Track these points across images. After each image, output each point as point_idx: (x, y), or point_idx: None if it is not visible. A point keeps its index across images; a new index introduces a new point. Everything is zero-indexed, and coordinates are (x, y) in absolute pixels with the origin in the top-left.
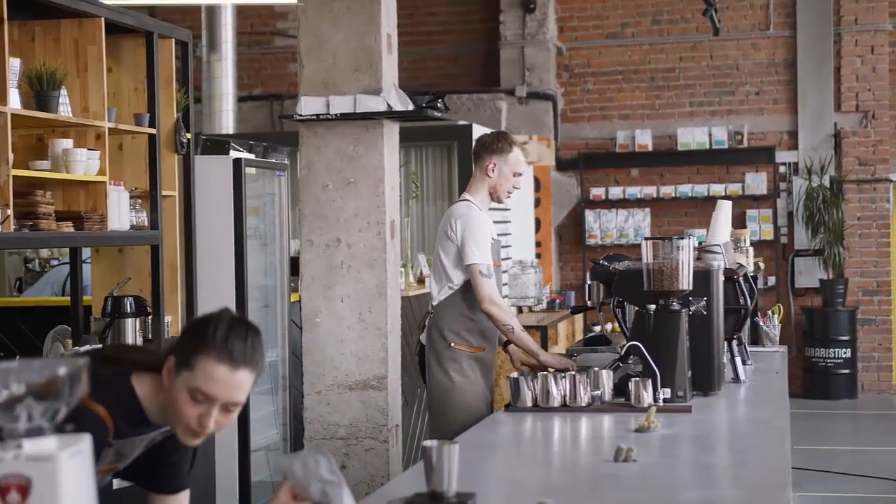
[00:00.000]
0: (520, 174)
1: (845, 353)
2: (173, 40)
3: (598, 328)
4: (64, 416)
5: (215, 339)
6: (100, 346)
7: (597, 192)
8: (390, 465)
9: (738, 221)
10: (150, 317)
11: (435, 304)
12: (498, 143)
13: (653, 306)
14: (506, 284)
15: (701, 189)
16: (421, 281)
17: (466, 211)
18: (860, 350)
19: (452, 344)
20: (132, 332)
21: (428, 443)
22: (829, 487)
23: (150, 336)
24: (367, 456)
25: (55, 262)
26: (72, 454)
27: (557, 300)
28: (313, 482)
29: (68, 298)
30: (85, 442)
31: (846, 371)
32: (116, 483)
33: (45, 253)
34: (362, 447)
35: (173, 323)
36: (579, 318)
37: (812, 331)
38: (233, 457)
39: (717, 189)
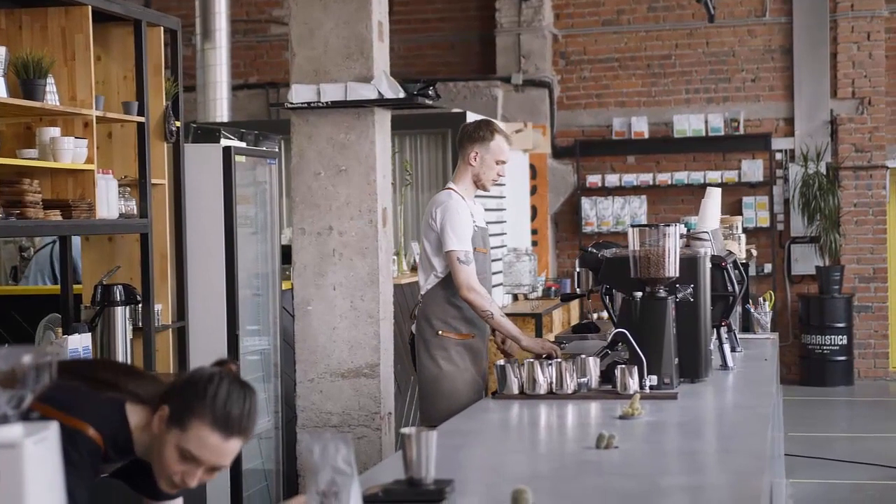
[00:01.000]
0: (503, 162)
1: (841, 340)
2: (162, 28)
3: (594, 316)
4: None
5: (214, 404)
6: (92, 359)
7: (593, 179)
8: (383, 452)
9: (734, 208)
10: (139, 305)
11: (422, 293)
12: (479, 131)
13: (639, 293)
14: (499, 272)
15: (697, 176)
16: (414, 269)
17: (446, 199)
18: (856, 337)
19: (440, 332)
20: (122, 320)
21: (406, 430)
22: (824, 474)
23: (139, 324)
24: (359, 444)
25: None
26: (37, 441)
27: (553, 288)
28: (326, 468)
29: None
30: (51, 429)
31: (842, 358)
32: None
33: (39, 241)
34: (355, 435)
35: (163, 311)
36: (575, 305)
37: (808, 318)
38: None
39: (714, 176)
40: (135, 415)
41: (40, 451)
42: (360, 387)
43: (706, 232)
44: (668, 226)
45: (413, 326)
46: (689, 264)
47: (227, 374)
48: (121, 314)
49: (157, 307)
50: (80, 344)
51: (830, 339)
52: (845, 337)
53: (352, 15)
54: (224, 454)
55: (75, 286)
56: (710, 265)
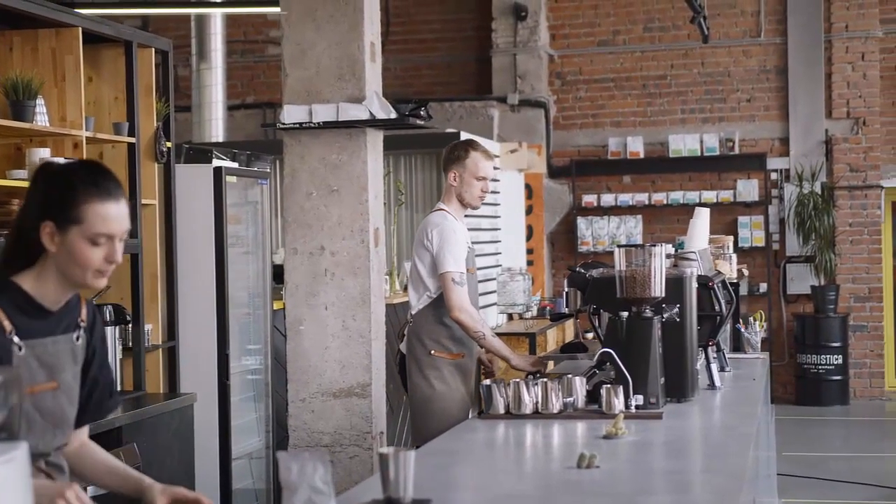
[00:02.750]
0: (483, 178)
1: (837, 359)
2: (153, 49)
3: (591, 335)
4: None
5: (87, 185)
6: None
7: (589, 199)
8: (374, 472)
9: (730, 228)
10: (129, 325)
11: (413, 312)
12: (455, 151)
13: (625, 313)
14: (493, 292)
15: (693, 196)
16: (407, 288)
17: (441, 221)
18: (852, 356)
19: (432, 351)
20: (112, 340)
21: (384, 450)
22: (818, 494)
23: (130, 345)
24: (351, 463)
25: None
26: (5, 462)
27: (548, 307)
28: (303, 487)
29: None
30: (20, 450)
31: (838, 377)
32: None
33: None
34: (346, 454)
35: (153, 331)
36: (570, 325)
37: (804, 337)
38: (214, 464)
39: (709, 196)
40: (24, 280)
41: (7, 471)
42: (352, 406)
43: (693, 252)
44: (654, 246)
45: (402, 345)
46: (676, 284)
47: (76, 163)
48: (111, 334)
49: (148, 327)
50: None
51: (826, 358)
52: (841, 356)
53: (344, 36)
54: (124, 216)
55: None
56: (698, 285)
